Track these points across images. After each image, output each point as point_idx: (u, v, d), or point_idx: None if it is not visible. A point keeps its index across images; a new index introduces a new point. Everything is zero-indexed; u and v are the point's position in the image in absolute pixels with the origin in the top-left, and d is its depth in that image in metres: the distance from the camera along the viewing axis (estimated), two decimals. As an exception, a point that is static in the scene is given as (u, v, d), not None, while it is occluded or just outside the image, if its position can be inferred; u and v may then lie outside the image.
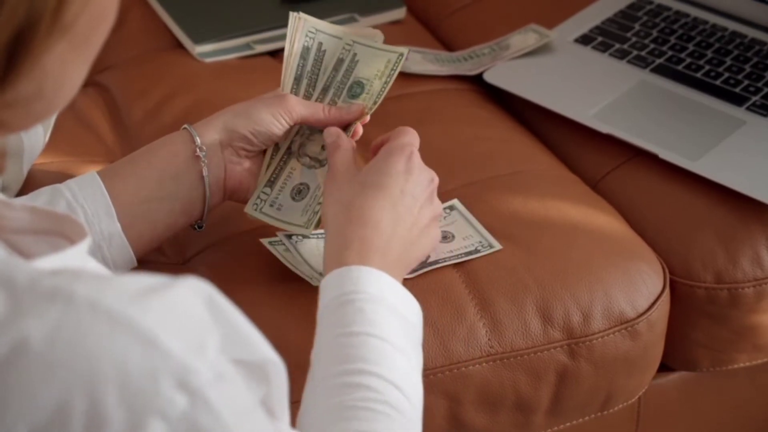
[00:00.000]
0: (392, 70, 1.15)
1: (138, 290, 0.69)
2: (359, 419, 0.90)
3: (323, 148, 1.14)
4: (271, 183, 1.15)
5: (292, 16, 1.16)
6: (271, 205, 1.14)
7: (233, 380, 0.71)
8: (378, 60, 1.16)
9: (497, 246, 1.18)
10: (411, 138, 1.09)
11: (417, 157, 1.07)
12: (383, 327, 0.95)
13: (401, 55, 1.15)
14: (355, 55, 1.16)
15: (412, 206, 1.04)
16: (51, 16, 0.68)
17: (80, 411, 0.66)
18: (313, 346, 0.97)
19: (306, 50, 1.16)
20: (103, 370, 0.66)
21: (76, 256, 0.75)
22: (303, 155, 1.16)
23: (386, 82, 1.15)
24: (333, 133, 1.10)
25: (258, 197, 1.15)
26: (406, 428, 0.92)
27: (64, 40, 0.70)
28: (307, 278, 1.11)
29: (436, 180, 1.08)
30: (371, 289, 0.97)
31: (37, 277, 0.68)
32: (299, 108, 1.13)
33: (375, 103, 1.15)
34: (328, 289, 0.98)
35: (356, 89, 1.15)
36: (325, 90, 1.16)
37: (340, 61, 1.16)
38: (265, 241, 1.14)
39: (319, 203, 1.11)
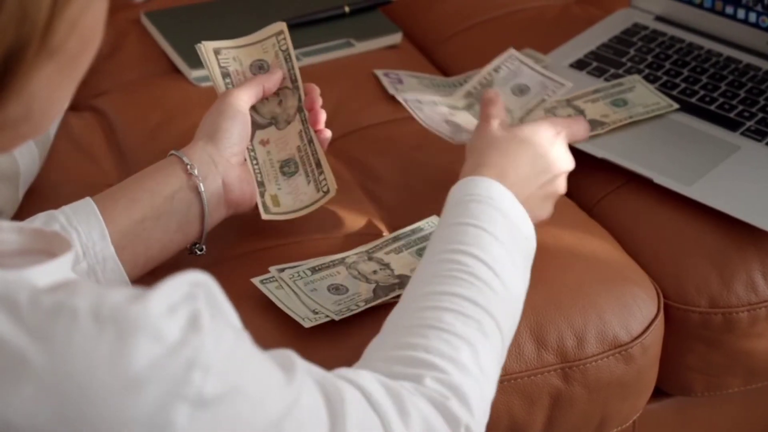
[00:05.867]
0: (282, 46, 1.22)
1: (133, 293, 0.71)
2: (442, 284, 0.98)
3: (375, 272, 1.16)
4: (314, 270, 1.15)
5: (198, 48, 1.21)
6: (306, 284, 1.13)
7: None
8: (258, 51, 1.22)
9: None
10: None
11: (564, 139, 1.15)
12: (487, 222, 1.03)
13: (281, 32, 1.22)
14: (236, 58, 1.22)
15: (545, 170, 1.12)
16: (39, 39, 0.68)
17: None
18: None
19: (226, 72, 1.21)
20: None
21: (61, 268, 0.75)
22: (353, 268, 1.16)
23: (286, 57, 1.21)
24: (492, 92, 1.19)
25: (296, 271, 1.14)
26: (489, 299, 0.98)
27: (52, 63, 0.70)
28: (298, 319, 1.09)
29: (572, 165, 1.15)
30: (492, 194, 1.05)
31: (37, 294, 0.69)
32: (245, 86, 1.18)
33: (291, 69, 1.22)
34: (453, 193, 1.08)
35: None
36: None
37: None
38: (256, 281, 1.14)
39: (357, 305, 1.11)
